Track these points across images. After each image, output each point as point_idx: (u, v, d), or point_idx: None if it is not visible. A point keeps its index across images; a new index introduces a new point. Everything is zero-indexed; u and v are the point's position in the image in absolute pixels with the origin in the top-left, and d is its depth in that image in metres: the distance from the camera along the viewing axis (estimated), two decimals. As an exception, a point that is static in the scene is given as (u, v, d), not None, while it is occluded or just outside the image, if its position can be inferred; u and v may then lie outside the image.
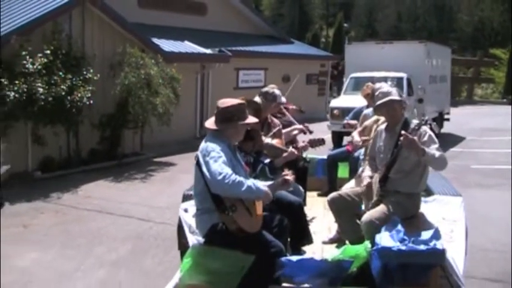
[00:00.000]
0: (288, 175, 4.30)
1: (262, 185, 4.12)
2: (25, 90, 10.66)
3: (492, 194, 10.17)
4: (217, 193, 3.87)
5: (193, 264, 4.01)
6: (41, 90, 10.75)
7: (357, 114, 7.67)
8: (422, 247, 3.75)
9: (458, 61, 39.93)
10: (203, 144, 4.06)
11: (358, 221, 4.63)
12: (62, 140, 12.49)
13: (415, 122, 4.58)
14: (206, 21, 21.40)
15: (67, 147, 12.71)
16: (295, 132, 6.68)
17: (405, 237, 3.89)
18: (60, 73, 11.27)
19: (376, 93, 4.98)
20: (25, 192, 10.41)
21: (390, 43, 18.69)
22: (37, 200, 9.93)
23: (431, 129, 4.64)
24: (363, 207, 4.79)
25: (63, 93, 11.05)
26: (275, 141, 5.60)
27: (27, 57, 10.93)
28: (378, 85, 5.67)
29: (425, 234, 3.95)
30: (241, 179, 3.84)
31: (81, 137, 12.86)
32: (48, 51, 11.28)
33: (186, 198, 5.16)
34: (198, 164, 4.03)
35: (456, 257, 3.95)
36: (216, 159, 3.85)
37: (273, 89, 6.30)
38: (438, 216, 4.73)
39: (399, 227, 4.06)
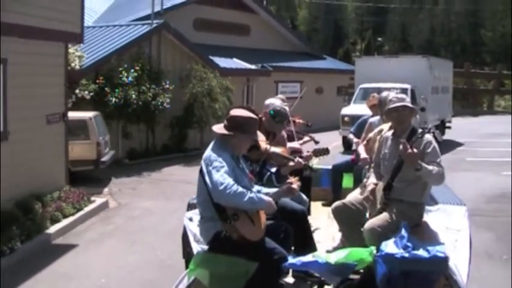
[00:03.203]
0: (294, 182, 4.36)
1: (266, 194, 4.22)
2: (122, 96, 14.82)
3: (470, 174, 13.87)
4: (219, 203, 3.96)
5: (197, 271, 4.16)
6: (133, 96, 14.90)
7: (361, 124, 7.65)
8: (425, 254, 3.81)
9: (479, 74, 43.16)
10: (207, 153, 4.15)
11: (362, 229, 4.63)
12: (142, 136, 16.66)
13: (419, 130, 4.63)
14: (250, 41, 25.77)
15: (146, 142, 16.89)
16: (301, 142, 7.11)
17: (409, 245, 3.92)
18: (147, 84, 15.42)
19: (390, 97, 5.03)
20: (122, 171, 14.47)
21: (396, 57, 21.39)
22: (134, 176, 14.03)
23: (434, 137, 4.68)
24: (367, 215, 4.84)
25: (150, 99, 15.20)
26: (281, 150, 5.58)
27: (123, 72, 15.11)
28: (385, 93, 5.98)
29: (429, 243, 4.03)
30: (243, 189, 3.92)
31: (156, 134, 17.02)
32: (138, 67, 15.46)
33: (190, 207, 5.22)
34: (201, 172, 4.13)
35: (460, 266, 4.01)
36: (219, 169, 3.95)
37: (281, 103, 6.05)
38: (442, 226, 4.79)
39: (403, 233, 4.08)
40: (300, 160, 5.47)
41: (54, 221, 9.03)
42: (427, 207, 4.96)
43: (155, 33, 16.94)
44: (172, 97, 16.30)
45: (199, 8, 23.23)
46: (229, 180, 3.89)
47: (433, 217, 4.96)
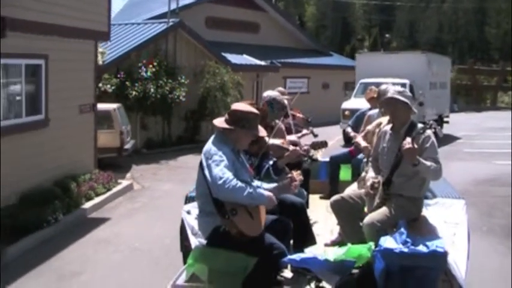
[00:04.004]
0: (296, 176, 4.37)
1: (266, 189, 4.20)
2: (141, 90, 16.09)
3: (465, 163, 15.06)
4: (218, 197, 3.96)
5: (196, 266, 4.18)
6: (152, 90, 16.17)
7: (359, 117, 7.81)
8: (424, 249, 3.82)
9: (482, 71, 44.27)
10: (207, 147, 4.16)
11: (360, 224, 4.68)
12: (159, 127, 17.94)
13: (420, 125, 4.67)
14: (259, 38, 27.09)
15: (162, 133, 18.16)
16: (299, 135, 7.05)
17: (408, 240, 3.94)
18: (164, 78, 16.68)
19: (389, 89, 5.18)
20: (141, 160, 15.72)
21: (396, 53, 22.23)
22: (152, 164, 15.30)
23: (435, 133, 4.68)
24: (366, 209, 4.84)
25: (167, 92, 16.46)
26: (280, 142, 5.63)
27: (142, 67, 16.37)
28: (384, 86, 6.12)
29: (428, 238, 4.06)
30: (242, 184, 3.92)
31: (172, 126, 18.30)
32: (155, 63, 16.72)
33: (188, 200, 5.23)
34: (200, 166, 4.14)
35: (458, 261, 4.03)
36: (218, 163, 3.94)
37: (278, 94, 6.27)
38: (440, 220, 4.80)
39: (402, 229, 4.12)
40: (296, 148, 5.58)
41: (88, 198, 10.31)
42: (426, 201, 5.03)
43: (171, 31, 18.21)
44: (188, 91, 17.54)
45: (211, 6, 24.51)
46: (228, 175, 3.90)
47: (431, 211, 5.01)
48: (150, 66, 16.51)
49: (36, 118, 9.79)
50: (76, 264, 7.39)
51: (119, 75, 16.18)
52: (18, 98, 9.31)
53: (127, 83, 16.10)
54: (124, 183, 11.97)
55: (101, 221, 9.54)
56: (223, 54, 20.64)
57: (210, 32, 23.71)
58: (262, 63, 23.52)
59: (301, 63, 27.39)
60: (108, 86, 15.60)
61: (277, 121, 5.91)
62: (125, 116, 14.91)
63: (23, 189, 9.10)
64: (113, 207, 10.54)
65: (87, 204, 10.10)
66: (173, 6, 19.86)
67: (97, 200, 10.46)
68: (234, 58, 21.71)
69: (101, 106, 13.49)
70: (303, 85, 27.34)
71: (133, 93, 15.97)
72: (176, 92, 16.80)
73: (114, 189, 11.28)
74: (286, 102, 6.36)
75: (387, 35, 63.73)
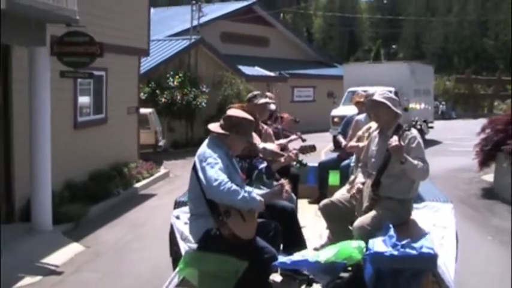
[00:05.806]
0: (285, 185, 4.48)
1: (257, 194, 4.30)
2: (169, 97, 19.20)
3: (447, 158, 18.05)
4: (212, 199, 4.09)
5: (187, 270, 4.31)
6: (178, 97, 19.28)
7: (347, 123, 7.94)
8: (414, 252, 3.93)
9: (480, 80, 47.31)
10: (201, 150, 4.32)
11: (350, 227, 4.74)
12: (183, 130, 21.04)
13: (405, 125, 4.79)
14: (269, 51, 30.48)
15: (186, 135, 21.27)
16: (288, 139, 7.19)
17: (397, 243, 4.01)
18: (188, 87, 19.80)
19: (375, 92, 5.28)
20: (170, 157, 18.75)
21: (381, 63, 24.33)
22: (180, 159, 18.32)
23: (420, 130, 4.80)
24: (356, 213, 4.89)
25: (191, 99, 19.58)
26: (274, 146, 5.78)
27: (170, 78, 19.50)
28: (372, 90, 6.76)
29: (417, 240, 4.13)
30: (237, 187, 4.04)
31: (194, 129, 21.39)
32: (181, 74, 19.86)
33: (178, 205, 5.31)
34: (194, 168, 4.30)
35: (447, 263, 4.19)
36: (213, 166, 4.09)
37: (263, 96, 6.60)
38: (429, 223, 4.89)
39: (391, 232, 4.18)
40: (291, 155, 5.68)
41: (137, 180, 13.35)
42: (414, 205, 5.08)
43: (193, 47, 21.47)
44: (208, 98, 20.64)
45: (225, 23, 27.89)
46: (223, 177, 4.03)
47: (420, 214, 5.09)
48: (177, 77, 19.64)
49: (99, 117, 12.87)
50: (141, 219, 10.43)
51: (150, 85, 19.30)
52: (88, 101, 12.39)
53: (157, 91, 19.21)
54: (162, 171, 15.07)
55: (150, 196, 12.59)
56: (238, 66, 23.78)
57: (225, 46, 26.94)
58: (272, 74, 26.82)
59: (307, 74, 30.75)
60: (142, 94, 18.68)
61: (264, 126, 6.37)
62: (157, 118, 17.99)
63: (91, 169, 12.13)
64: (157, 187, 13.59)
65: (137, 185, 13.15)
66: (194, 23, 23.04)
67: (144, 182, 13.51)
68: (247, 70, 24.89)
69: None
70: (309, 94, 30.52)
71: (163, 100, 19.07)
72: (198, 99, 19.91)
73: (156, 175, 14.36)
74: (273, 107, 6.90)
75: (394, 46, 66.43)
